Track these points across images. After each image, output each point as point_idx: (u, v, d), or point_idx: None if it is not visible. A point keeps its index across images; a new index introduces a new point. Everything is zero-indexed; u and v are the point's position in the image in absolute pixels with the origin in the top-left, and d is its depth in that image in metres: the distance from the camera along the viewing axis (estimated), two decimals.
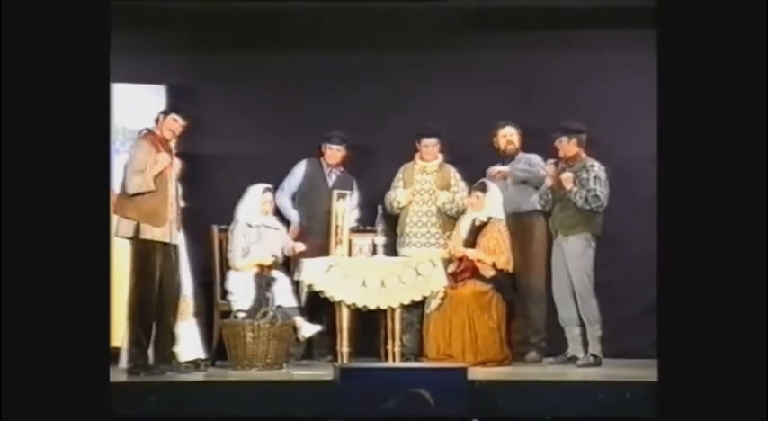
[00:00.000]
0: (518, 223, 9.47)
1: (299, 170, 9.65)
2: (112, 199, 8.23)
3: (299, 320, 9.03)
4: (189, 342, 8.66)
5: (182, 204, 8.57)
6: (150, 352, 8.27)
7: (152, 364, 8.19)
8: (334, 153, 9.65)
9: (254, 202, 9.30)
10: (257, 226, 9.28)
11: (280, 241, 9.36)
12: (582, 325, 9.16)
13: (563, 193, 9.17)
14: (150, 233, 8.14)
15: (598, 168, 9.12)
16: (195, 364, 8.59)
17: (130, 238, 8.16)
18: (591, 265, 9.12)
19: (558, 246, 9.21)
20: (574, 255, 9.12)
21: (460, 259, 9.33)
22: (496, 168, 9.43)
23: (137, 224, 8.11)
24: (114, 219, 8.12)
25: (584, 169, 9.13)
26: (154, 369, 8.17)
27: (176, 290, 8.40)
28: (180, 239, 8.57)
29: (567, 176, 9.14)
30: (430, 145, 9.64)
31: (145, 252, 8.15)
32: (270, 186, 9.43)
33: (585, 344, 9.16)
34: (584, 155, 9.23)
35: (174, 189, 8.32)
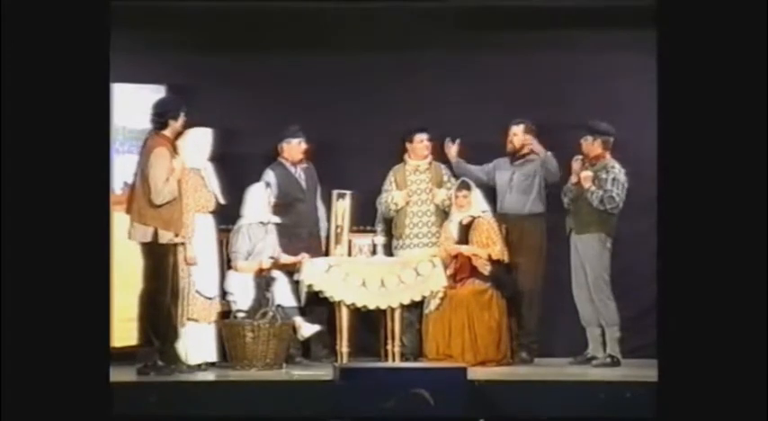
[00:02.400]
0: (518, 225, 9.47)
1: (271, 180, 9.48)
2: (115, 200, 8.26)
3: (299, 320, 9.02)
4: (210, 344, 8.69)
5: (222, 201, 8.69)
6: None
7: (162, 365, 8.19)
8: (296, 147, 9.52)
9: (263, 200, 9.27)
10: (267, 223, 9.26)
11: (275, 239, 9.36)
12: (602, 325, 9.16)
13: (581, 192, 9.17)
14: (168, 237, 8.15)
15: (618, 170, 9.12)
16: (197, 365, 8.60)
17: (147, 243, 8.17)
18: (607, 266, 9.14)
19: (573, 244, 9.23)
20: (588, 256, 9.13)
21: (456, 257, 9.33)
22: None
23: (155, 230, 8.12)
24: (127, 223, 8.20)
25: (604, 169, 9.13)
26: (164, 369, 8.17)
27: (178, 289, 8.40)
28: (213, 239, 8.65)
29: (586, 175, 9.14)
30: (423, 140, 9.60)
31: (160, 254, 8.16)
32: (269, 182, 9.42)
33: (605, 344, 9.16)
34: (608, 156, 9.22)
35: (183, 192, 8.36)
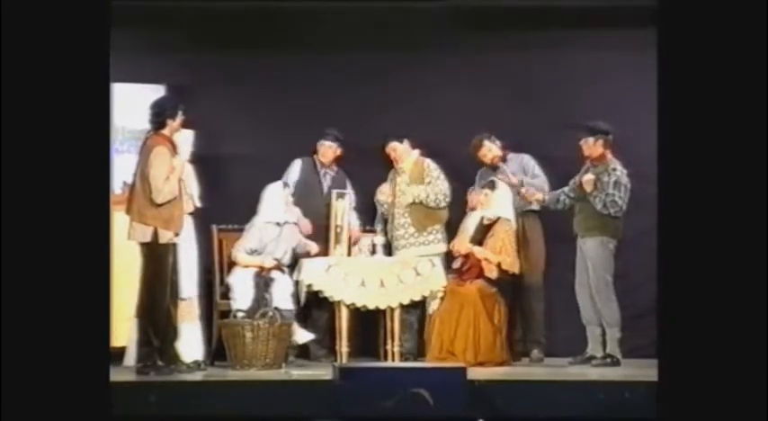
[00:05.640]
0: (517, 223, 9.45)
1: (296, 168, 9.61)
2: (115, 200, 8.26)
3: (295, 326, 9.01)
4: (193, 343, 8.67)
5: (198, 204, 8.64)
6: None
7: (161, 364, 8.18)
8: (327, 150, 9.61)
9: (279, 200, 9.28)
10: (283, 223, 9.27)
11: (296, 237, 9.34)
12: (603, 325, 9.15)
13: (582, 195, 9.16)
14: (168, 237, 8.15)
15: (620, 172, 9.08)
16: (197, 364, 8.59)
17: (147, 243, 8.16)
18: (610, 268, 9.10)
19: (579, 247, 9.21)
20: (591, 257, 9.11)
21: (466, 256, 9.30)
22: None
23: (154, 229, 8.12)
24: (126, 223, 8.19)
25: (605, 172, 9.09)
26: (164, 368, 8.16)
27: (176, 288, 8.40)
28: (191, 240, 8.64)
29: (588, 179, 9.11)
30: (393, 148, 9.57)
31: (159, 253, 8.15)
32: (286, 181, 9.43)
33: (605, 344, 9.15)
34: (609, 156, 9.20)
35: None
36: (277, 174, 9.62)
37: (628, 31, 9.42)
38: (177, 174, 8.18)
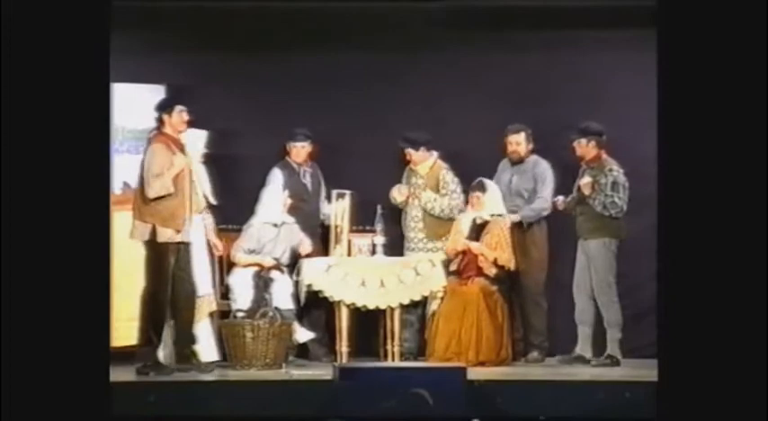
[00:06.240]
0: (519, 226, 9.44)
1: (276, 178, 9.57)
2: (115, 200, 8.26)
3: (295, 325, 9.02)
4: (204, 341, 8.66)
5: (212, 202, 8.62)
6: (166, 351, 8.27)
7: (163, 364, 8.17)
8: (300, 151, 9.62)
9: (277, 201, 9.29)
10: (281, 224, 9.27)
11: (296, 237, 9.34)
12: (594, 326, 9.14)
13: (582, 198, 9.14)
14: (167, 235, 8.14)
15: (617, 172, 9.07)
16: (210, 365, 8.55)
17: (146, 242, 8.15)
18: (612, 269, 9.11)
19: (581, 248, 9.21)
20: (594, 259, 9.10)
21: (464, 254, 9.30)
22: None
23: (153, 227, 8.11)
24: (129, 222, 8.19)
25: (602, 174, 9.09)
26: (164, 369, 8.15)
27: (190, 287, 8.38)
28: (202, 238, 8.62)
29: (585, 182, 9.10)
30: (410, 153, 9.60)
31: (159, 252, 8.15)
32: (281, 183, 9.44)
33: (594, 344, 9.14)
34: (604, 156, 9.19)
35: (189, 189, 8.32)
36: None
37: (628, 31, 9.42)
38: (174, 172, 8.16)
